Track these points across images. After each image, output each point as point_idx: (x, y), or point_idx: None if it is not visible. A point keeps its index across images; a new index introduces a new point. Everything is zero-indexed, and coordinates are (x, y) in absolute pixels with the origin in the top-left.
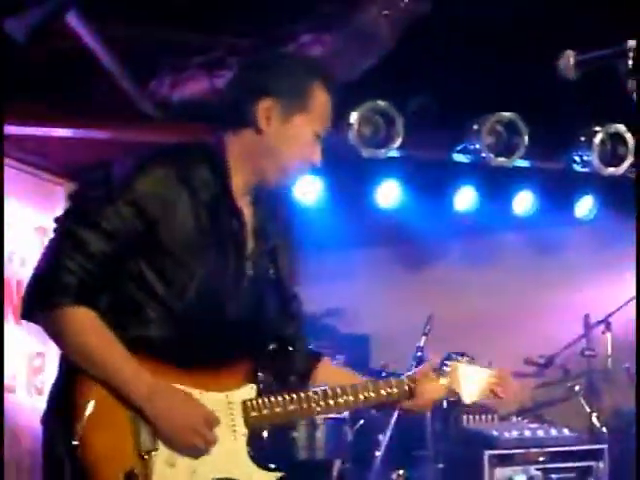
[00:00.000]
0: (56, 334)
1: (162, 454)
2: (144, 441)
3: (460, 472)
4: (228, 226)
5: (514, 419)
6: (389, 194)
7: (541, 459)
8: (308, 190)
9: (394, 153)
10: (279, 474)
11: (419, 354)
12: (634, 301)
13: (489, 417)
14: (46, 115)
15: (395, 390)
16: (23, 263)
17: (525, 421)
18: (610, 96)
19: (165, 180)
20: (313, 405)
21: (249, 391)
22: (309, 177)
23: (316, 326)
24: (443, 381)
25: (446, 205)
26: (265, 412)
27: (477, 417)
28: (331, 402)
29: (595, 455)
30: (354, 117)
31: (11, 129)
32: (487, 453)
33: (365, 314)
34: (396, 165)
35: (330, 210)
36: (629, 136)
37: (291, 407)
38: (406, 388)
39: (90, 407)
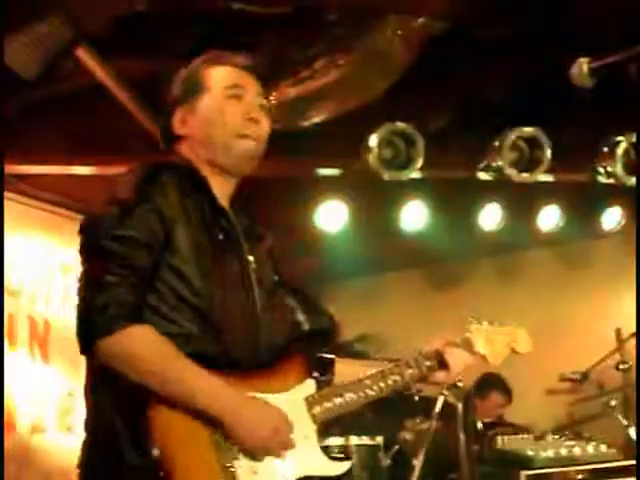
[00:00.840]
0: (124, 358)
1: (245, 463)
2: (226, 452)
3: None
4: (225, 230)
5: (550, 437)
6: (414, 216)
7: (579, 477)
8: (333, 217)
9: (416, 174)
10: (349, 462)
11: None
12: None
13: (524, 436)
14: (67, 153)
15: (434, 362)
16: (48, 302)
17: (562, 439)
18: (631, 103)
19: (171, 188)
20: (367, 390)
21: (308, 386)
22: (334, 204)
23: (348, 352)
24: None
25: (472, 224)
26: (327, 404)
27: (512, 437)
28: (382, 384)
29: (634, 470)
30: (374, 140)
31: (32, 168)
32: (523, 474)
33: (396, 338)
34: (419, 186)
35: (356, 235)
36: None
37: (348, 395)
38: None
39: (167, 431)
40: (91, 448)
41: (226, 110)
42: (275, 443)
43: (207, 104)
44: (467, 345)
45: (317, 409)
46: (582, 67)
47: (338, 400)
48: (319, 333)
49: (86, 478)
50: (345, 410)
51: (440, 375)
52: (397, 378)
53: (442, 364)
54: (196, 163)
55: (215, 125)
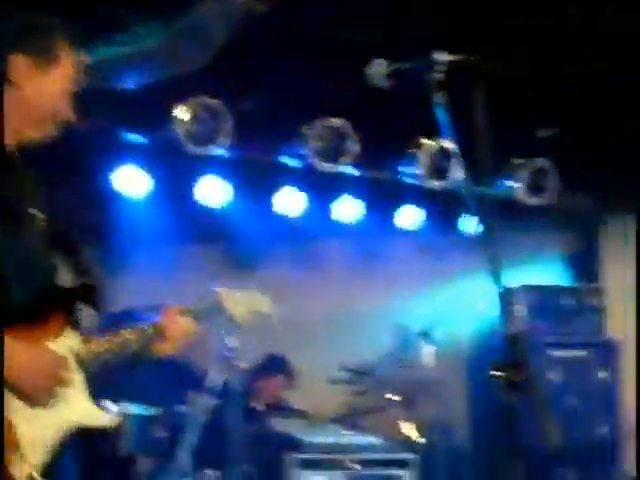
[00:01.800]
0: None
1: (23, 410)
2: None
3: (265, 474)
4: (11, 181)
5: (328, 424)
6: (215, 192)
7: (351, 465)
8: (136, 184)
9: (221, 151)
10: (118, 417)
11: None
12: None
13: (302, 421)
14: None
15: (159, 331)
16: None
17: (339, 427)
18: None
19: None
20: (125, 340)
21: (73, 336)
22: (137, 171)
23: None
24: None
25: (273, 207)
26: (92, 350)
27: (289, 420)
28: (120, 344)
29: (402, 464)
30: (182, 112)
31: None
32: (292, 456)
33: None
34: (223, 164)
35: (158, 205)
36: (455, 149)
37: (106, 346)
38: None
39: None
40: None
41: (61, 103)
42: (54, 388)
43: (53, 83)
44: (219, 308)
45: (82, 356)
46: (378, 68)
47: (99, 350)
48: (83, 289)
49: None
50: (107, 359)
51: (162, 345)
52: (131, 341)
53: (168, 333)
54: None
55: (45, 105)
